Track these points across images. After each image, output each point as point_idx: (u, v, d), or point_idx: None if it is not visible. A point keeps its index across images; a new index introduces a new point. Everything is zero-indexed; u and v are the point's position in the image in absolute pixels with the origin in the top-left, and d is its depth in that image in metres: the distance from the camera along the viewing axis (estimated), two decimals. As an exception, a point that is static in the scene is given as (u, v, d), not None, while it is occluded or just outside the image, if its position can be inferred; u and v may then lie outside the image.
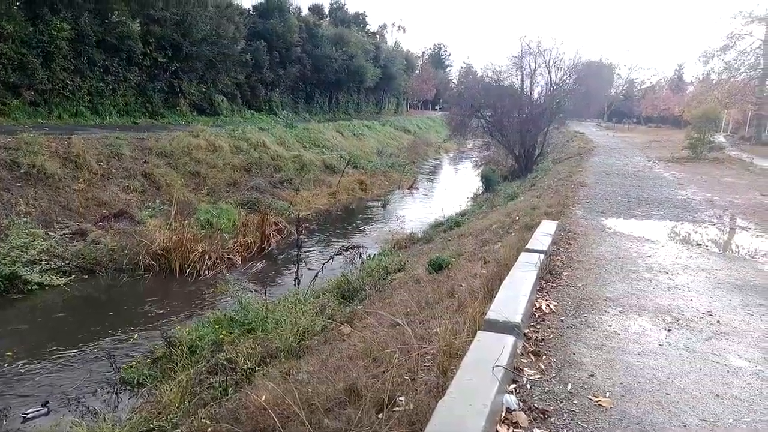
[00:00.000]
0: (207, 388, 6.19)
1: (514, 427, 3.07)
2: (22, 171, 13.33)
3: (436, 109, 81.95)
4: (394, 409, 3.82)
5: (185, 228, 12.86)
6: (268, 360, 6.60)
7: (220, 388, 6.01)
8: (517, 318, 4.18)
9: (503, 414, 3.17)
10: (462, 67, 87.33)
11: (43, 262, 10.90)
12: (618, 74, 70.90)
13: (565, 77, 27.67)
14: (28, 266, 10.50)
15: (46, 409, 6.80)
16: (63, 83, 20.41)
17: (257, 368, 6.36)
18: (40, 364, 8.02)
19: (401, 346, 4.86)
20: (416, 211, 21.00)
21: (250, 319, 8.39)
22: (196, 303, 10.74)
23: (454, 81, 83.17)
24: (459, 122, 29.08)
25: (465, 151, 46.29)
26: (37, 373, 7.78)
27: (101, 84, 22.26)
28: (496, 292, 4.86)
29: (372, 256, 12.15)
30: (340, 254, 11.77)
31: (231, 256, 12.89)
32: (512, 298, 4.57)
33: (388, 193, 25.05)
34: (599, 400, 3.41)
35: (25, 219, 11.64)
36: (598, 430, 3.05)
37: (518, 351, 4.05)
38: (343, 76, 45.25)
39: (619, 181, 16.30)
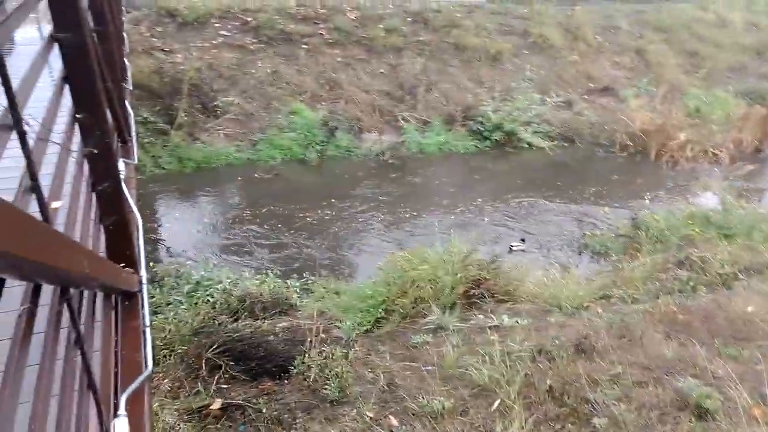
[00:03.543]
0: (673, 279, 5.99)
1: None
2: (530, 40, 14.85)
3: None
4: None
5: (671, 113, 11.96)
6: (752, 272, 5.79)
7: (689, 284, 5.71)
8: None
9: None
10: None
11: (534, 125, 12.32)
12: None
13: None
14: (523, 126, 12.10)
15: (524, 245, 8.12)
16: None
17: (737, 277, 5.70)
18: (522, 207, 9.47)
19: None
20: None
21: (732, 224, 7.44)
22: (666, 192, 10.21)
23: None
24: None
25: None
26: (518, 213, 9.25)
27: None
28: None
29: None
30: None
31: (717, 151, 11.40)
32: None
33: None
34: None
35: (527, 84, 13.19)
36: None
37: None
38: None
39: None
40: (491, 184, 10.72)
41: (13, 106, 1.48)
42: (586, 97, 13.93)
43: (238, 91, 11.56)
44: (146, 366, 2.38)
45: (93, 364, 1.89)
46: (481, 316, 5.35)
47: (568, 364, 4.09)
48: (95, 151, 2.55)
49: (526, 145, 12.00)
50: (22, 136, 1.50)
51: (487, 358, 4.20)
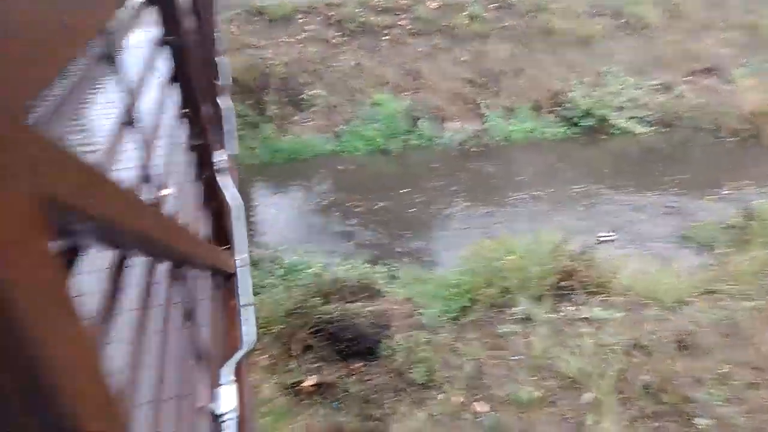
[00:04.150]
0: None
1: None
2: (624, 20, 13.96)
3: None
4: None
5: (789, 92, 10.80)
6: None
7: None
8: None
9: None
10: None
11: (627, 110, 11.61)
12: None
13: None
14: (616, 111, 11.44)
15: (614, 235, 7.72)
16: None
17: None
18: (612, 196, 9.00)
19: None
20: None
21: None
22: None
23: None
24: None
25: None
26: (607, 203, 8.79)
27: None
28: None
29: None
30: None
31: None
32: None
33: None
34: None
35: (620, 67, 12.45)
36: None
37: None
38: None
39: None
40: (580, 172, 10.25)
41: (130, 104, 1.64)
42: (687, 78, 12.90)
43: (323, 84, 11.87)
44: (246, 342, 2.54)
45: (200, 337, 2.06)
46: (571, 308, 5.17)
47: (667, 360, 3.86)
48: (198, 144, 2.75)
49: (619, 132, 11.33)
50: (138, 131, 1.66)
51: (577, 350, 4.06)
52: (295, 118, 11.21)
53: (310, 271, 6.04)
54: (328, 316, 4.90)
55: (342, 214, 8.64)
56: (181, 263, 1.75)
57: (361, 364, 4.43)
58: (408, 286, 6.15)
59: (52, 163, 0.56)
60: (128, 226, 0.94)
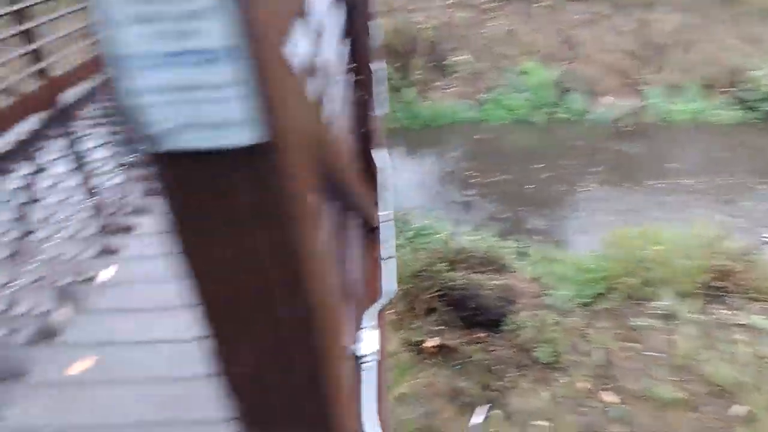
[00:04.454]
0: None
1: None
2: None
3: None
4: None
5: None
6: None
7: None
8: None
9: None
10: None
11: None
12: None
13: None
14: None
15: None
16: None
17: None
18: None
19: None
20: None
21: None
22: None
23: None
24: None
25: None
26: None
27: None
28: None
29: None
30: None
31: None
32: None
33: None
34: None
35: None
36: None
37: None
38: None
39: None
40: (749, 164, 9.02)
41: (313, 54, 1.75)
42: None
43: (469, 51, 11.63)
44: (386, 291, 2.65)
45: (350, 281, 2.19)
46: (725, 311, 4.66)
47: None
48: (359, 98, 2.87)
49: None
50: (316, 79, 1.77)
51: (729, 357, 3.67)
52: (438, 83, 11.17)
53: (437, 236, 6.09)
54: (453, 283, 4.94)
55: (473, 184, 8.55)
56: (347, 206, 1.86)
57: (485, 334, 4.43)
58: (537, 265, 5.96)
59: (305, 109, 0.63)
60: (331, 163, 1.02)
